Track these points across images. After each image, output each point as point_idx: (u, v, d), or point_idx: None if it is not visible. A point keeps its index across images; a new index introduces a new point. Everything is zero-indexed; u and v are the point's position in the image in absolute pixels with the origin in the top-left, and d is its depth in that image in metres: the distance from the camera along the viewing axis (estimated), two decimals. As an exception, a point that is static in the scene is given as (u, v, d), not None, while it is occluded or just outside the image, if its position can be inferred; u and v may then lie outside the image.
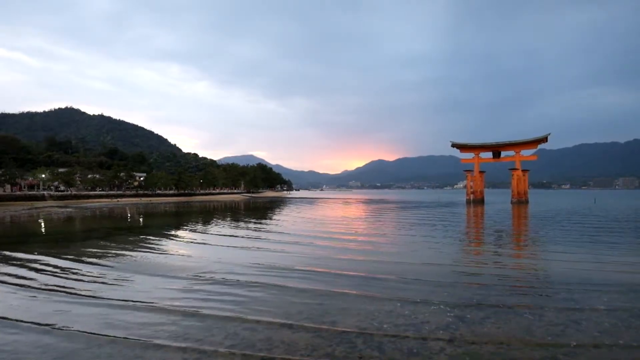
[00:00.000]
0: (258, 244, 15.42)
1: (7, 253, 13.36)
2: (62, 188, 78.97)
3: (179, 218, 32.07)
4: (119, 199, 74.10)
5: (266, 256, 12.54)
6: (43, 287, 8.61)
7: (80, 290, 8.29)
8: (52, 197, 64.92)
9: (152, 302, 7.33)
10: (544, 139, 55.36)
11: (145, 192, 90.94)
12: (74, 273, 10.07)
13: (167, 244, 15.61)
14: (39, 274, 9.91)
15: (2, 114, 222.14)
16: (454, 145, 62.95)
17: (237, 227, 23.21)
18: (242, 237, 17.91)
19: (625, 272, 9.95)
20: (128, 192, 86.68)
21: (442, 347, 5.24)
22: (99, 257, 12.46)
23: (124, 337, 5.61)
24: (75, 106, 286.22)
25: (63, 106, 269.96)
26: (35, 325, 6.16)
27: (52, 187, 77.99)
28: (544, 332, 5.81)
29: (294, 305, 7.18)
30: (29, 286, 8.67)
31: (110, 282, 9.02)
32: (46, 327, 6.07)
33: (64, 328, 6.02)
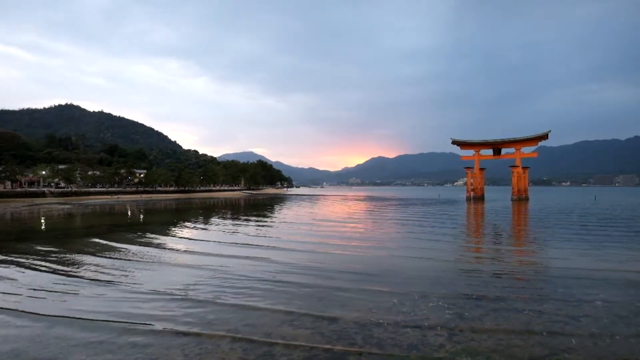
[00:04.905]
0: (257, 242, 15.45)
1: (6, 251, 13.39)
2: (62, 185, 79.08)
3: (178, 215, 32.10)
4: (119, 196, 74.17)
5: (267, 253, 12.60)
6: (38, 286, 8.65)
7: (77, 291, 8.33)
8: (52, 194, 65.00)
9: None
10: (544, 136, 55.29)
11: (146, 188, 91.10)
12: (70, 273, 10.12)
13: (164, 245, 15.61)
14: (33, 271, 9.96)
15: (2, 110, 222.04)
16: (454, 142, 62.91)
17: (237, 224, 23.26)
18: (243, 235, 17.97)
19: (624, 268, 9.98)
20: (128, 189, 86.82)
21: (442, 343, 5.28)
22: (96, 256, 12.49)
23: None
24: (74, 103, 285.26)
25: (62, 102, 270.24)
26: (36, 318, 6.22)
27: (52, 184, 78.09)
28: (542, 327, 5.84)
29: (295, 298, 7.24)
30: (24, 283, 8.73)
31: (109, 280, 9.07)
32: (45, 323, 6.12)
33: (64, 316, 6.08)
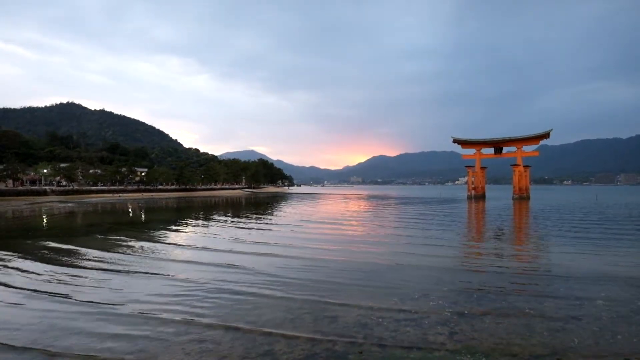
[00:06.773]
0: (255, 249, 15.24)
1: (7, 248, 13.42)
2: (63, 183, 79.23)
3: (177, 215, 32.14)
4: (120, 194, 74.32)
5: (266, 257, 12.59)
6: (34, 288, 8.66)
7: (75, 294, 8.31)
8: (54, 192, 65.19)
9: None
10: (545, 135, 55.11)
11: (147, 187, 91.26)
12: (68, 275, 10.12)
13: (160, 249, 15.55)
14: (30, 274, 9.95)
15: (4, 108, 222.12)
16: (455, 141, 62.76)
17: (235, 227, 23.24)
18: (241, 239, 17.90)
19: (625, 267, 9.96)
20: (129, 187, 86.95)
21: (442, 342, 5.27)
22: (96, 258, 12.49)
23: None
24: (76, 101, 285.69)
25: (63, 101, 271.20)
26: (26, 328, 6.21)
27: (54, 182, 78.21)
28: (543, 327, 5.84)
29: (295, 300, 7.25)
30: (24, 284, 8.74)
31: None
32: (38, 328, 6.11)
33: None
